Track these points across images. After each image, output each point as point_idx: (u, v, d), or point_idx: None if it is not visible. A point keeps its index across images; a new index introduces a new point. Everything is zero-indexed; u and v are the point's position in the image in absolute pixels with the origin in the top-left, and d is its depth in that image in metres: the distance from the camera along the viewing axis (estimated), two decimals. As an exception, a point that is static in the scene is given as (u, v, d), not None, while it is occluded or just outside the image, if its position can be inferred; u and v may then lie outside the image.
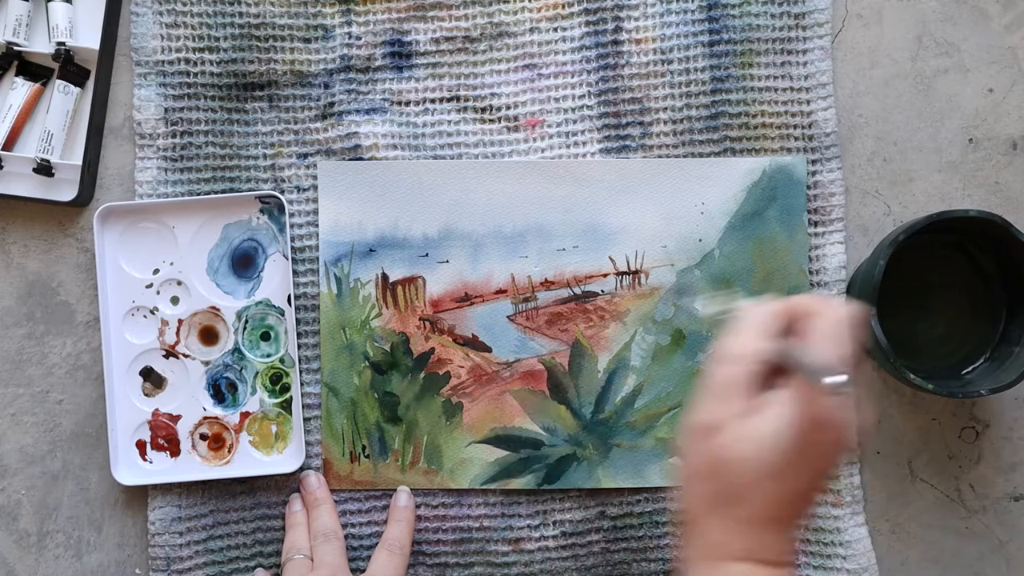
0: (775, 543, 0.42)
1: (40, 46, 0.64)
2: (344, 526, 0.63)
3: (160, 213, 0.64)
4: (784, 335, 0.43)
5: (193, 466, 0.63)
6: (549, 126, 0.64)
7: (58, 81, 0.63)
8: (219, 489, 0.64)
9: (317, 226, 0.64)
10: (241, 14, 0.64)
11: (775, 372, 0.43)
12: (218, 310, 0.64)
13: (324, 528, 0.61)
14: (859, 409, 0.40)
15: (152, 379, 0.64)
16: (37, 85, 0.64)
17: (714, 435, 0.41)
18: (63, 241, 0.65)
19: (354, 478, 0.63)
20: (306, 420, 0.64)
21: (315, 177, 0.64)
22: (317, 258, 0.64)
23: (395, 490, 0.63)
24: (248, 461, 0.64)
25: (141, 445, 0.64)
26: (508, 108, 0.64)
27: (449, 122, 0.65)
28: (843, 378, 0.37)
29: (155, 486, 0.63)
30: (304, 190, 0.64)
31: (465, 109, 0.65)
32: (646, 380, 0.63)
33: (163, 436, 0.64)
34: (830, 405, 0.40)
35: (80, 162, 0.63)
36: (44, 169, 0.63)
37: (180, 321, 0.64)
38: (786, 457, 0.41)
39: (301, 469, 0.63)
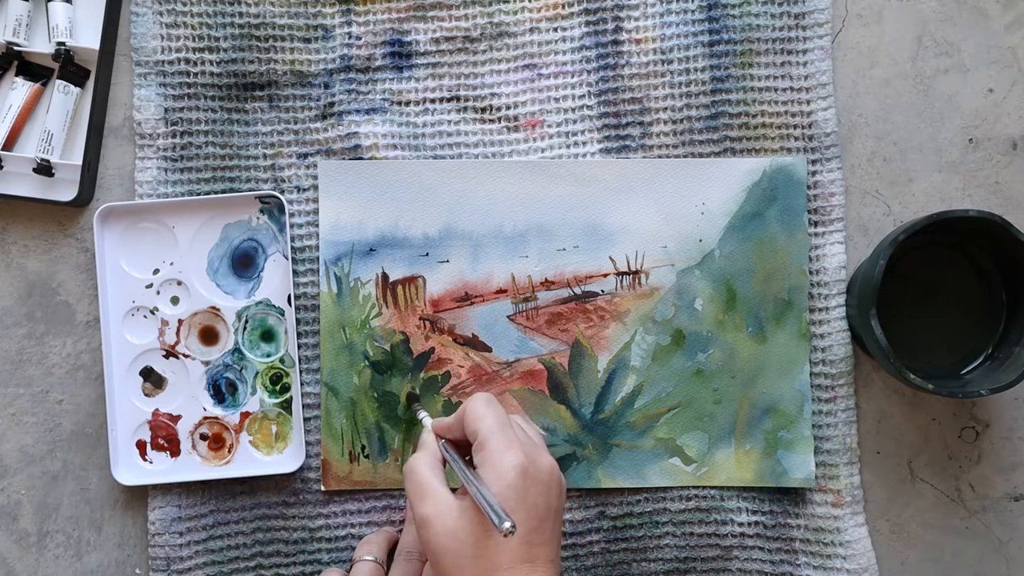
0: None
1: (40, 46, 0.64)
2: (343, 526, 0.63)
3: (160, 213, 0.64)
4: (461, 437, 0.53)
5: (193, 466, 0.63)
6: (549, 126, 0.64)
7: (58, 81, 0.63)
8: (219, 489, 0.64)
9: (317, 226, 0.64)
10: (241, 14, 0.64)
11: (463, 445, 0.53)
12: (218, 310, 0.64)
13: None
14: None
15: (152, 379, 0.64)
16: (37, 85, 0.64)
17: (428, 528, 0.49)
18: (63, 241, 0.65)
19: (353, 478, 0.63)
20: (306, 420, 0.64)
21: (315, 177, 0.64)
22: (317, 258, 0.64)
23: (395, 490, 0.63)
24: (248, 461, 0.64)
25: (141, 445, 0.64)
26: (508, 108, 0.64)
27: (449, 122, 0.65)
28: (509, 524, 0.46)
29: (155, 486, 0.63)
30: (304, 190, 0.64)
31: (465, 109, 0.65)
32: (646, 380, 0.63)
33: (163, 436, 0.64)
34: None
35: (80, 162, 0.63)
36: (44, 169, 0.63)
37: (180, 321, 0.64)
38: (476, 540, 0.49)
39: (301, 469, 0.63)
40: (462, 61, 0.65)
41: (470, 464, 0.52)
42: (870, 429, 0.64)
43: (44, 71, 0.65)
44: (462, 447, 0.54)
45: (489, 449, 0.50)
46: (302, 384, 0.64)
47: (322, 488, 0.63)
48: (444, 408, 0.63)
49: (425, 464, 0.52)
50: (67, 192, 0.64)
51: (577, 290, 0.64)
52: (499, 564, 0.48)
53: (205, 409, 0.64)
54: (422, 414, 0.59)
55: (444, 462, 0.53)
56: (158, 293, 0.64)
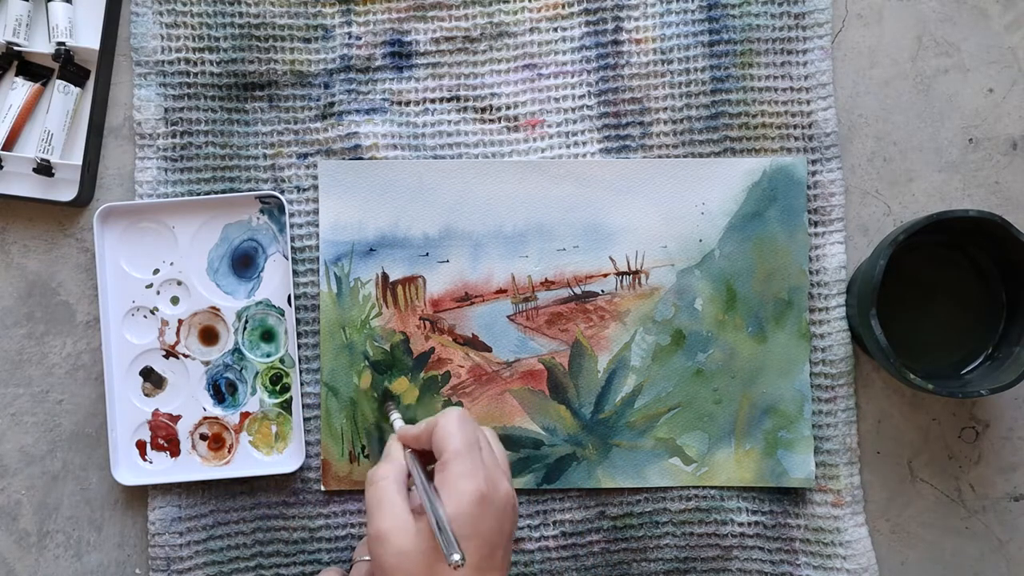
0: None
1: (40, 46, 0.64)
2: (343, 526, 0.63)
3: (160, 213, 0.64)
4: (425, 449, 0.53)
5: (193, 466, 0.63)
6: (549, 126, 0.64)
7: (58, 81, 0.63)
8: (219, 489, 0.64)
9: (317, 226, 0.64)
10: (241, 14, 0.64)
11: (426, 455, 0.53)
12: (218, 310, 0.64)
13: None
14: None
15: (152, 379, 0.64)
16: (37, 85, 0.64)
17: (381, 544, 0.49)
18: (63, 241, 0.65)
19: (353, 478, 0.63)
20: (306, 420, 0.64)
21: (315, 177, 0.64)
22: (317, 258, 0.64)
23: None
24: (248, 461, 0.64)
25: (141, 445, 0.64)
26: (508, 108, 0.64)
27: (449, 122, 0.65)
28: (458, 557, 0.46)
29: (155, 486, 0.63)
30: (304, 190, 0.64)
31: (465, 109, 0.65)
32: (646, 380, 0.63)
33: (163, 436, 0.64)
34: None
35: (80, 162, 0.63)
36: (44, 169, 0.63)
37: (180, 321, 0.64)
38: (428, 564, 0.48)
39: (301, 469, 0.63)
40: (462, 61, 0.65)
41: (431, 479, 0.51)
42: (870, 429, 0.64)
43: (44, 71, 0.65)
44: (425, 457, 0.53)
45: (451, 471, 0.50)
46: (302, 384, 0.64)
47: (322, 488, 0.63)
48: (444, 408, 0.63)
49: (390, 477, 0.51)
50: (67, 192, 0.64)
51: (577, 290, 0.64)
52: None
53: (205, 409, 0.64)
54: (395, 415, 0.58)
55: (408, 474, 0.53)
56: (158, 293, 0.64)
